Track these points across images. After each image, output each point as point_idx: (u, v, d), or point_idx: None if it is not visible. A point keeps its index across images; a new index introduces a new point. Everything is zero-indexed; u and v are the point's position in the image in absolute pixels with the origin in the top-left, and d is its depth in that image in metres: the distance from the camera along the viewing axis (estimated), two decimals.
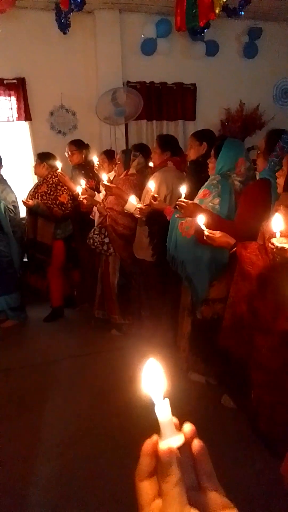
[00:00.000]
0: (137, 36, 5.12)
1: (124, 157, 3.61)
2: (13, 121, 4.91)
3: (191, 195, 2.66)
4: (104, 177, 3.39)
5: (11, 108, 4.89)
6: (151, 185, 2.90)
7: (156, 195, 2.82)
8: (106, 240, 3.60)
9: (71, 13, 4.22)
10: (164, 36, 5.13)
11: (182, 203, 2.45)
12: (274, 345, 2.03)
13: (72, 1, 3.88)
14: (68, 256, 4.19)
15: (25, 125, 4.97)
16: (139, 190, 3.39)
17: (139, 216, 3.19)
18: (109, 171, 4.02)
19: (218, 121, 5.65)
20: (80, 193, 3.64)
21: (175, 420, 0.43)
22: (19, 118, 4.91)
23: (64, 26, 4.44)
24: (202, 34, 5.07)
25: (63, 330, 4.04)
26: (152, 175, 3.26)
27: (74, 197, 3.91)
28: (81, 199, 3.63)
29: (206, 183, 2.68)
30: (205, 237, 2.11)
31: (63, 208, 3.95)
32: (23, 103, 4.86)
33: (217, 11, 3.78)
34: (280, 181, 2.01)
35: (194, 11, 3.92)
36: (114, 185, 3.34)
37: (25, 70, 4.81)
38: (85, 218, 3.89)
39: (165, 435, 0.41)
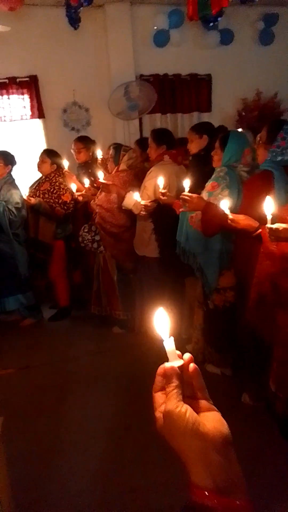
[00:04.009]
0: (149, 28, 5.02)
1: (114, 153, 3.54)
2: (26, 119, 4.91)
3: (194, 188, 2.65)
4: (100, 174, 3.34)
5: (24, 107, 4.89)
6: (160, 181, 2.86)
7: (164, 190, 2.80)
8: (97, 237, 3.58)
9: (81, 8, 4.19)
10: (177, 27, 5.01)
11: (186, 197, 2.47)
12: None
13: None
14: (69, 257, 4.18)
15: (38, 123, 4.96)
16: (130, 186, 3.35)
17: (137, 213, 3.20)
18: None
19: (235, 111, 5.51)
20: (74, 190, 3.62)
21: (178, 352, 0.62)
22: (32, 116, 4.91)
23: (74, 22, 4.40)
24: (216, 23, 4.94)
25: (77, 328, 4.06)
26: (149, 170, 3.26)
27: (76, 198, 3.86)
28: (76, 196, 3.62)
29: (213, 176, 2.68)
30: (229, 221, 2.13)
31: (65, 208, 3.92)
32: (36, 101, 4.84)
33: None
34: None
35: None
36: (110, 182, 3.30)
37: (37, 68, 4.78)
38: (90, 218, 3.81)
39: (170, 360, 0.61)
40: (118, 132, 5.14)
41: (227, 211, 2.13)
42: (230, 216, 2.13)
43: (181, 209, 2.70)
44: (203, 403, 0.60)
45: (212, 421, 0.57)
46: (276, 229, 1.84)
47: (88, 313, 3.96)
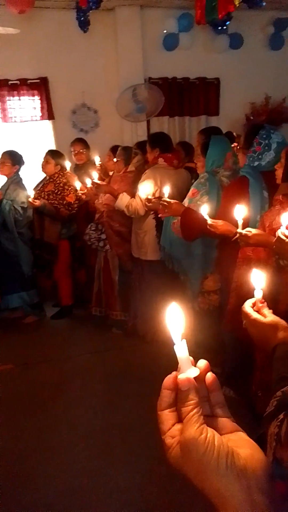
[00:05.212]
0: (158, 31, 5.07)
1: (125, 154, 3.61)
2: (36, 120, 5.00)
3: None
4: (95, 175, 3.37)
5: (35, 108, 4.98)
6: (147, 187, 2.98)
7: (150, 197, 2.87)
8: (103, 236, 3.61)
9: (91, 11, 4.25)
10: (186, 31, 5.05)
11: (164, 203, 2.52)
12: None
13: None
14: (74, 256, 4.21)
15: (48, 124, 5.04)
16: (136, 187, 3.38)
17: (129, 214, 3.28)
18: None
19: (243, 115, 5.52)
20: (79, 189, 3.67)
21: (191, 358, 0.49)
22: (42, 117, 5.00)
23: (84, 24, 4.47)
24: (225, 27, 4.96)
25: (77, 327, 4.10)
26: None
27: (80, 197, 3.91)
28: (80, 194, 3.69)
29: (195, 183, 2.74)
30: (208, 226, 2.18)
31: (69, 208, 3.94)
32: (46, 102, 4.94)
33: (236, 3, 3.67)
34: (278, 172, 2.06)
35: (213, 3, 3.84)
36: (104, 183, 3.35)
37: (47, 70, 4.87)
38: (92, 217, 3.85)
39: (183, 369, 0.48)
40: (125, 134, 5.20)
41: (206, 217, 2.18)
42: (209, 221, 2.18)
43: (160, 215, 2.75)
44: (226, 422, 0.49)
45: (244, 447, 0.45)
46: (245, 234, 1.90)
47: (90, 313, 4.01)
